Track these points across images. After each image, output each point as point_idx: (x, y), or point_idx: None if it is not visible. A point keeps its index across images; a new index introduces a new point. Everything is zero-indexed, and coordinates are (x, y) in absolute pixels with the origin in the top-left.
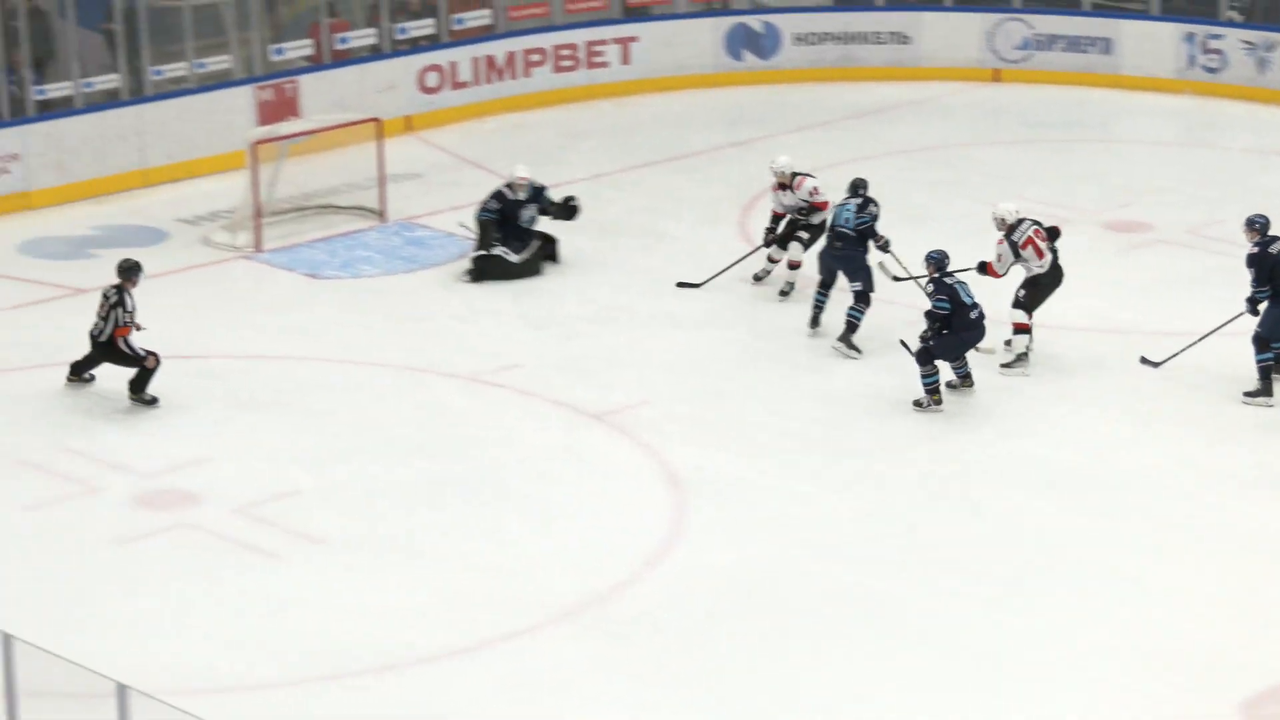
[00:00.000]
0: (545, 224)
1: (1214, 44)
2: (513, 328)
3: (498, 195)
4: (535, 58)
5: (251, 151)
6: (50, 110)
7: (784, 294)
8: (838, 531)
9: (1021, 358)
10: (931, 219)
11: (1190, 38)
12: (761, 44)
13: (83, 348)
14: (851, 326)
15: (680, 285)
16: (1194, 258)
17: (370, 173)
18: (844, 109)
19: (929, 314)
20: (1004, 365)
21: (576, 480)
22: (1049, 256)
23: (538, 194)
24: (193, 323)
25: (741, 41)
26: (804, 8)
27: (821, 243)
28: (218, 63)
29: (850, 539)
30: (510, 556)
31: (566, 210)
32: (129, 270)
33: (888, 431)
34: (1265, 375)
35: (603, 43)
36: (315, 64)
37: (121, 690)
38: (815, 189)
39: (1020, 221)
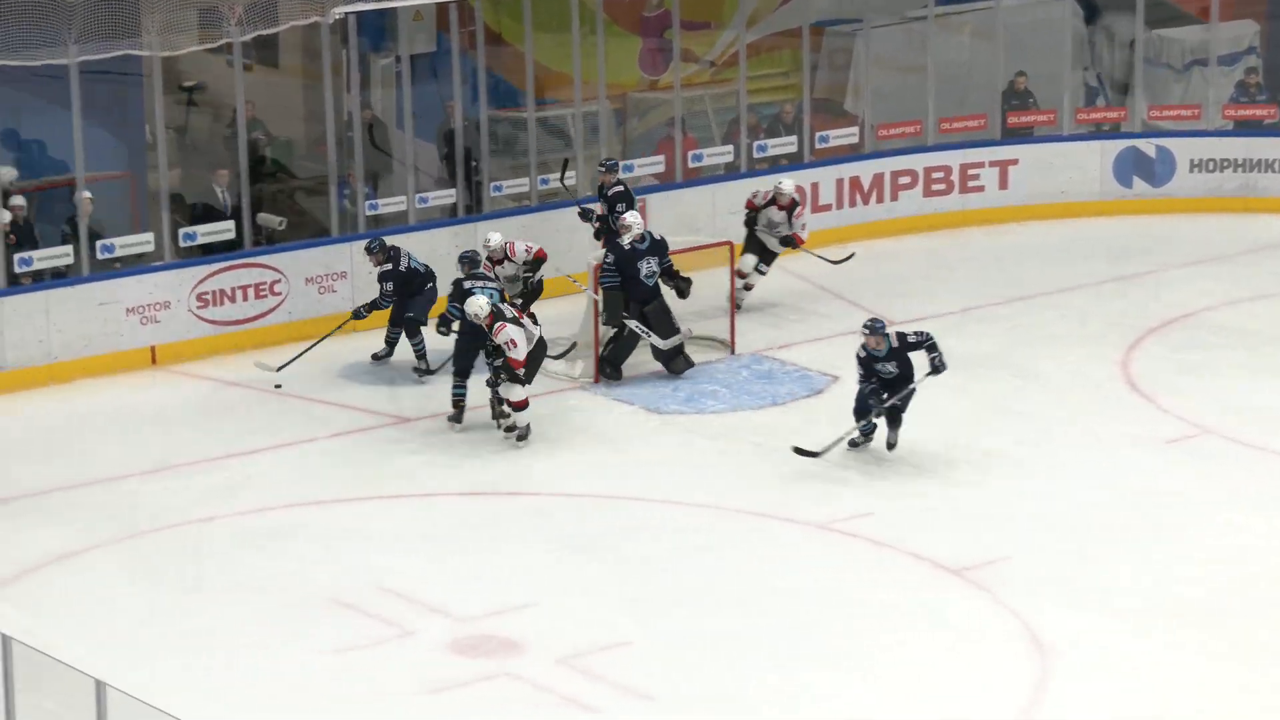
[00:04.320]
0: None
1: None
2: (867, 473)
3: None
4: (904, 180)
5: (592, 275)
6: (382, 226)
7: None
8: (1215, 704)
9: None
10: None
11: None
12: (1154, 170)
13: (391, 482)
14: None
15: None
16: None
17: (719, 300)
18: (1243, 243)
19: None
20: None
21: (930, 641)
22: None
23: (659, 247)
24: (524, 458)
25: (1132, 167)
26: (1202, 131)
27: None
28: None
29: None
30: None
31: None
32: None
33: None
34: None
35: (979, 165)
36: (665, 182)
37: None
38: (528, 246)
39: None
